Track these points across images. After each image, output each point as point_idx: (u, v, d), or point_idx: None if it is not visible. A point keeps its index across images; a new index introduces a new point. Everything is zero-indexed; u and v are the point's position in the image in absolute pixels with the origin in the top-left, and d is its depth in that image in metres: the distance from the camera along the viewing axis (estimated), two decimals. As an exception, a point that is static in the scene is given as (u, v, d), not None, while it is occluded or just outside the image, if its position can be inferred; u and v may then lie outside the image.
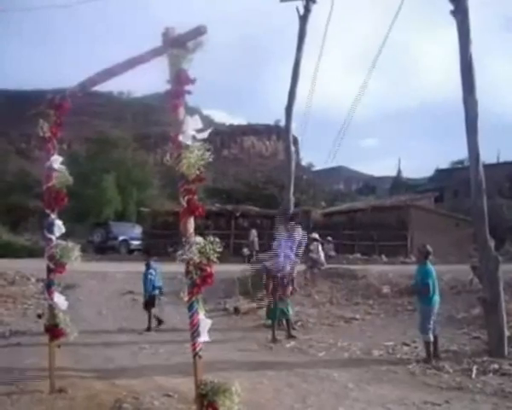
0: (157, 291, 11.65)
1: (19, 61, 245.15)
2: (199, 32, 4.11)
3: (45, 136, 6.35)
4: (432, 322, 8.61)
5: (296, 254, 9.97)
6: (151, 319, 11.41)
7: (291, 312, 10.94)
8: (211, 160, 4.23)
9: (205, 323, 4.21)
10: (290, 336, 10.65)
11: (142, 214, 38.29)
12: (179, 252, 4.16)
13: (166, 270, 17.20)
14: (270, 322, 10.90)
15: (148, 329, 11.26)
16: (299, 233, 10.06)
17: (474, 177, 9.28)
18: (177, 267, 4.48)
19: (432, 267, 8.89)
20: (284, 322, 11.03)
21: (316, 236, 18.11)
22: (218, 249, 4.15)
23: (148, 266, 11.83)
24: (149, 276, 11.68)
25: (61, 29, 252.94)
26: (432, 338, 8.60)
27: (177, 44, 4.21)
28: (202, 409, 4.08)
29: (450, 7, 9.49)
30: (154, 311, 11.49)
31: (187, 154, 4.18)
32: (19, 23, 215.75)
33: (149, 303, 11.50)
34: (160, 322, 11.53)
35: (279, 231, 10.40)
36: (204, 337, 4.18)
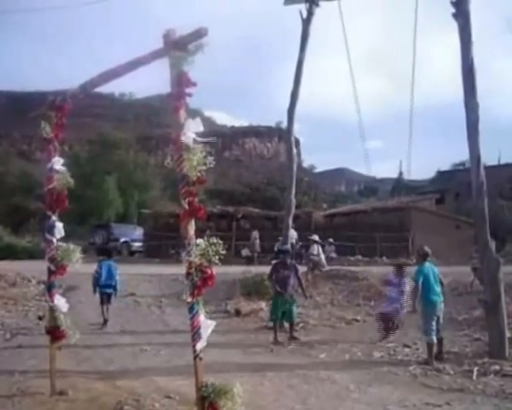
0: (110, 290, 11.93)
1: (21, 62, 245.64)
2: (200, 34, 4.12)
3: (47, 137, 6.36)
4: (434, 323, 8.61)
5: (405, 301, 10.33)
6: (106, 313, 11.77)
7: (295, 314, 10.97)
8: (212, 165, 4.24)
9: (207, 324, 4.22)
10: (293, 338, 10.67)
11: (143, 216, 38.31)
12: (184, 254, 4.18)
13: (168, 272, 17.30)
14: (271, 324, 10.92)
15: (104, 323, 11.67)
16: (406, 283, 10.36)
17: (475, 179, 9.29)
18: (179, 269, 4.49)
19: (429, 267, 8.89)
20: (286, 324, 11.06)
21: (316, 238, 18.11)
22: (220, 251, 4.16)
23: (99, 265, 12.10)
24: (96, 275, 11.96)
25: (64, 30, 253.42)
26: (435, 340, 8.60)
27: (178, 46, 4.22)
28: (203, 411, 4.09)
29: (452, 10, 9.51)
30: (106, 307, 11.83)
31: (188, 156, 4.19)
32: (21, 24, 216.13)
33: (103, 299, 11.80)
34: (105, 322, 11.72)
35: (393, 280, 10.79)
36: (203, 342, 4.19)
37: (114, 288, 12.00)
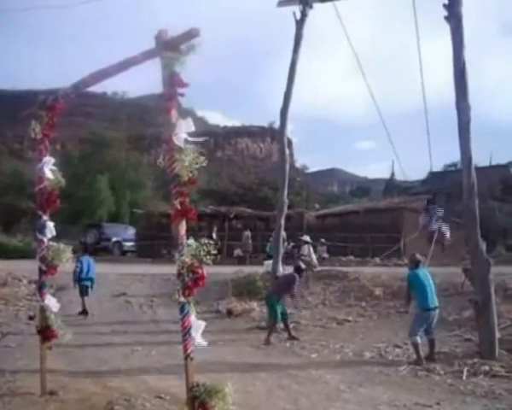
0: (88, 282, 12.97)
1: (12, 61, 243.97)
2: (191, 34, 4.12)
3: (37, 137, 6.34)
4: (422, 326, 8.66)
5: None
6: (85, 304, 12.69)
7: (286, 314, 11.03)
8: (204, 164, 4.24)
9: (198, 325, 4.22)
10: (291, 338, 10.71)
11: (135, 216, 38.17)
12: (176, 255, 4.18)
13: (160, 272, 17.27)
14: (263, 324, 10.95)
15: (83, 312, 12.52)
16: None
17: (466, 180, 9.34)
18: (171, 269, 4.49)
19: (423, 274, 8.94)
20: (281, 324, 11.09)
21: (307, 238, 18.14)
22: (212, 251, 4.17)
23: (80, 261, 13.09)
24: (77, 269, 12.89)
25: (56, 29, 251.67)
26: (419, 340, 8.64)
27: (170, 47, 4.22)
28: (194, 411, 4.09)
29: (445, 13, 9.55)
30: (86, 299, 12.80)
31: (180, 156, 4.20)
32: (12, 23, 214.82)
33: (82, 292, 12.72)
34: (84, 312, 12.63)
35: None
36: (199, 341, 4.19)
37: (92, 281, 13.06)
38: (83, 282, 12.84)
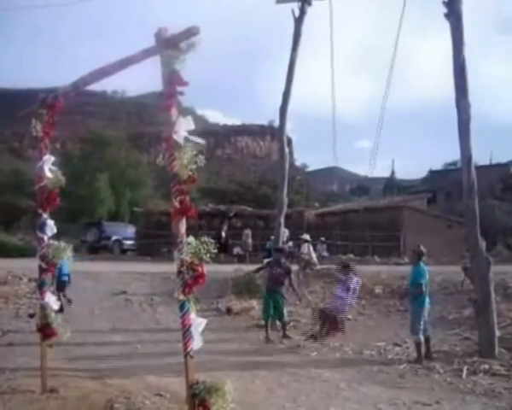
0: (66, 278, 12.88)
1: (12, 59, 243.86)
2: (191, 32, 4.11)
3: (38, 135, 6.34)
4: (422, 323, 8.68)
5: (351, 299, 10.60)
6: (61, 301, 12.29)
7: (285, 312, 11.00)
8: (203, 164, 4.24)
9: (198, 322, 4.22)
10: (285, 337, 10.70)
11: (135, 214, 38.16)
12: (176, 253, 4.18)
13: (160, 270, 17.27)
14: (263, 322, 10.94)
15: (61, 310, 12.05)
16: (353, 281, 10.57)
17: (466, 178, 9.34)
18: (171, 267, 4.49)
19: (425, 268, 8.96)
20: (278, 323, 11.09)
21: (307, 237, 18.15)
22: (212, 250, 4.17)
23: None
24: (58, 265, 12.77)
25: (55, 28, 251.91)
26: (422, 339, 8.66)
27: (170, 45, 4.21)
28: (194, 409, 4.09)
29: (445, 10, 9.54)
30: (64, 293, 12.61)
31: (180, 154, 4.19)
32: (12, 22, 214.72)
33: (59, 287, 12.49)
34: (69, 301, 12.56)
35: (337, 278, 11.02)
36: (198, 343, 4.19)
37: (69, 277, 12.97)
38: (61, 277, 12.77)
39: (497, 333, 9.04)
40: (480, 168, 11.40)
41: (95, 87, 7.36)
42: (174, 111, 4.28)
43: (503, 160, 60.60)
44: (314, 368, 8.25)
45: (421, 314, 8.70)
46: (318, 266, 17.98)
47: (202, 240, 4.18)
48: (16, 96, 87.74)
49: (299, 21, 14.19)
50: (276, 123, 17.15)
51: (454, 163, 63.46)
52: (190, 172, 4.19)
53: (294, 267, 14.76)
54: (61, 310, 12.12)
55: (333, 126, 13.54)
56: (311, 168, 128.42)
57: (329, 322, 10.40)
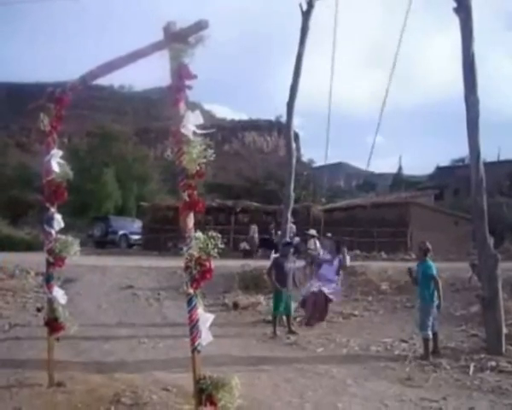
0: None
1: (19, 54, 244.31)
2: (200, 26, 4.10)
3: (45, 129, 6.34)
4: (431, 319, 8.65)
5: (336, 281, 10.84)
6: None
7: (292, 307, 11.02)
8: (212, 158, 4.23)
9: (205, 318, 4.22)
10: (291, 332, 10.70)
11: (141, 209, 38.24)
12: (184, 247, 4.17)
13: (167, 265, 17.32)
14: (270, 317, 10.94)
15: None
16: (338, 260, 10.89)
17: (474, 175, 9.28)
18: (177, 262, 4.49)
19: (432, 264, 8.93)
20: (284, 318, 11.08)
21: (313, 232, 18.13)
22: (219, 245, 4.16)
23: None
24: None
25: (63, 22, 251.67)
26: (431, 335, 8.63)
27: (179, 39, 4.20)
28: (201, 404, 4.09)
29: (454, 4, 9.47)
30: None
31: (188, 149, 4.18)
32: (20, 15, 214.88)
33: None
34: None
35: (325, 258, 11.18)
36: (207, 338, 4.19)
37: None
38: None
39: (505, 330, 8.99)
40: (487, 165, 11.31)
41: (101, 81, 7.36)
42: (182, 105, 4.27)
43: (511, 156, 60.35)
44: (321, 364, 8.24)
45: (430, 310, 8.67)
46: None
47: (210, 235, 4.17)
48: (24, 91, 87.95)
49: (306, 15, 14.15)
50: (283, 118, 17.12)
51: (461, 159, 63.15)
52: (199, 167, 4.18)
53: (301, 263, 14.76)
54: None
55: (328, 121, 13.38)
56: (317, 164, 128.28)
57: (319, 305, 10.37)
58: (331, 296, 10.37)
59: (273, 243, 11.86)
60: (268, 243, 24.73)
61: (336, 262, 10.39)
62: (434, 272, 8.76)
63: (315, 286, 11.47)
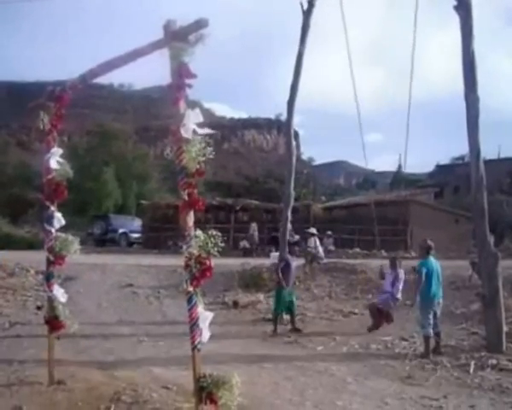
0: None
1: (20, 52, 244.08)
2: (200, 25, 4.09)
3: (45, 128, 6.34)
4: (431, 317, 8.65)
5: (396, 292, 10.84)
6: None
7: (296, 305, 11.07)
8: (212, 156, 4.22)
9: (205, 316, 4.21)
10: (295, 329, 10.72)
11: (141, 207, 38.26)
12: (184, 246, 4.17)
13: (167, 263, 17.31)
14: (270, 316, 10.96)
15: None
16: (399, 275, 10.85)
17: (474, 173, 9.29)
18: (177, 261, 4.49)
19: (433, 262, 8.93)
20: (285, 316, 11.10)
21: (313, 230, 18.13)
22: (219, 243, 4.15)
23: None
24: None
25: (63, 21, 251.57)
26: (431, 333, 8.63)
27: (179, 37, 4.18)
28: (201, 402, 4.10)
29: (454, 2, 9.45)
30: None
31: (187, 147, 4.18)
32: (20, 14, 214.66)
33: None
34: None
35: (387, 271, 11.30)
36: (207, 335, 4.19)
37: None
38: None
39: (505, 328, 9.00)
40: (488, 162, 11.32)
41: (101, 80, 7.35)
42: (182, 103, 4.26)
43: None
44: (321, 362, 8.25)
45: (428, 308, 8.67)
46: (325, 260, 17.97)
47: (210, 233, 4.17)
48: (24, 90, 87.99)
49: (307, 14, 14.12)
50: (283, 117, 17.11)
51: (461, 157, 63.14)
52: (198, 165, 4.17)
53: (301, 261, 14.77)
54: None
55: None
56: (317, 162, 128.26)
57: (382, 315, 10.66)
58: (380, 306, 10.67)
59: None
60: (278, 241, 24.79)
61: (392, 276, 10.74)
62: (423, 271, 8.77)
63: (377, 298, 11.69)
